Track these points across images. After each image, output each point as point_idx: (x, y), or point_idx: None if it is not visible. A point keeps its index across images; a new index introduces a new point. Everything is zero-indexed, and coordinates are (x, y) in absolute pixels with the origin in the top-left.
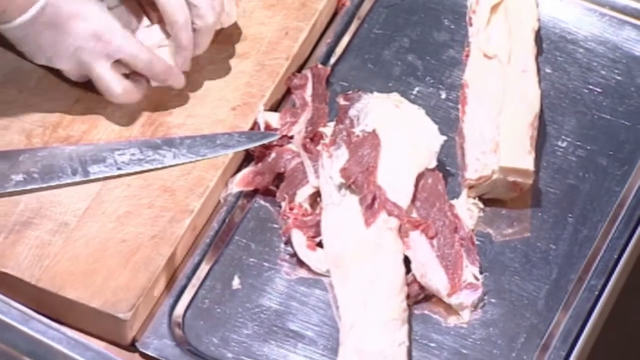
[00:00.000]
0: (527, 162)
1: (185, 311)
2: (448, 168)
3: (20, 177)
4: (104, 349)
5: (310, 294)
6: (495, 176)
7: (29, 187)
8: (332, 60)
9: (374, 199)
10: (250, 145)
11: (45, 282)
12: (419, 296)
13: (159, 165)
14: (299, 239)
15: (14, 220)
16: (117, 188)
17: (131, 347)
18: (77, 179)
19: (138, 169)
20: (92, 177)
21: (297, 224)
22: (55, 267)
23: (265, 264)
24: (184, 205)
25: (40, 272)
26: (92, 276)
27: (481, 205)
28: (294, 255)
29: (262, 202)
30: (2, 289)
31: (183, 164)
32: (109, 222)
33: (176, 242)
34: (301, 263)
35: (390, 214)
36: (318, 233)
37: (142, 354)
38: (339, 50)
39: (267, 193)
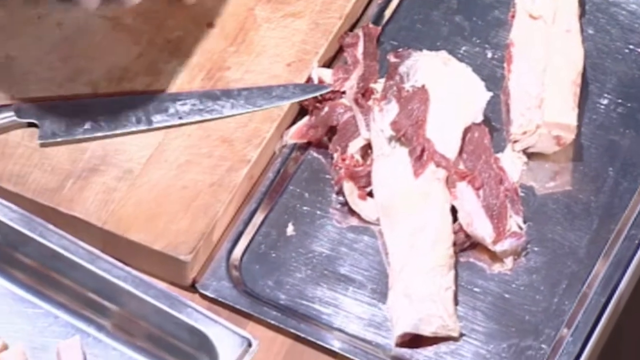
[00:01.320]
0: (570, 117)
1: (242, 255)
2: (493, 124)
3: (87, 126)
4: (166, 288)
5: (359, 240)
6: (539, 131)
7: (95, 135)
8: (383, 20)
9: (422, 150)
10: (304, 97)
11: (111, 225)
12: (465, 244)
13: (218, 115)
14: (350, 189)
15: (82, 166)
16: (178, 138)
17: (191, 288)
18: (141, 127)
19: (198, 118)
20: (155, 126)
21: (348, 174)
22: (121, 211)
23: (318, 212)
24: (242, 155)
25: (106, 215)
26: (155, 220)
27: (525, 158)
28: (345, 204)
29: (315, 154)
30: (70, 231)
31: (240, 114)
32: (170, 169)
33: (234, 190)
34: (352, 212)
35: (438, 165)
36: (368, 183)
37: (202, 295)
38: (389, 11)
39: (320, 146)
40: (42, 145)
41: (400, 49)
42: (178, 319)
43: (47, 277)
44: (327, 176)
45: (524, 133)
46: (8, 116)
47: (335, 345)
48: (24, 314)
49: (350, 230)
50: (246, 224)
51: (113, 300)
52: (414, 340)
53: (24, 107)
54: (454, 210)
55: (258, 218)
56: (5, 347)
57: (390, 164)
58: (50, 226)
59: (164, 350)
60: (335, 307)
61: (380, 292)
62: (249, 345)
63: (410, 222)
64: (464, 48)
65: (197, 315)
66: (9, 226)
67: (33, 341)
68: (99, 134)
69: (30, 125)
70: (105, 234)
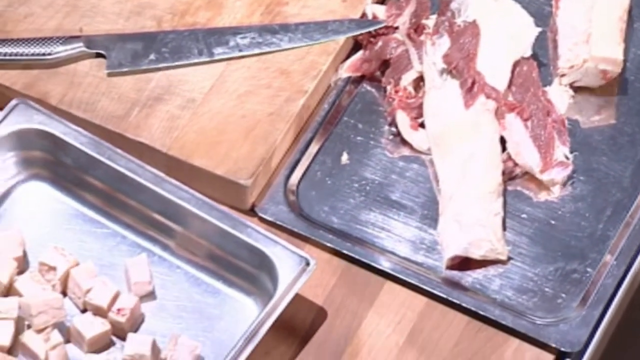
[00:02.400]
0: (616, 51)
1: (299, 182)
2: (540, 59)
3: (152, 57)
4: (228, 210)
5: (410, 169)
6: (586, 65)
7: (160, 66)
8: None
9: (473, 83)
10: (359, 32)
11: (175, 151)
12: (513, 173)
13: (276, 49)
14: (403, 120)
15: (147, 95)
16: (238, 70)
17: (250, 212)
18: (203, 59)
19: (257, 51)
20: (216, 57)
21: (401, 105)
22: (184, 138)
23: (371, 142)
24: (299, 86)
25: (170, 142)
26: (216, 147)
27: (571, 92)
28: (398, 134)
29: (368, 87)
30: (136, 156)
31: (298, 47)
32: (231, 99)
33: (291, 119)
34: (404, 142)
35: (488, 96)
36: (420, 114)
37: (261, 218)
38: None
39: (373, 79)
40: (110, 74)
41: None
42: (239, 239)
43: (115, 199)
44: (380, 108)
45: (571, 67)
46: (77, 47)
47: (388, 266)
48: (94, 233)
49: (402, 160)
50: (303, 152)
51: (177, 221)
52: (463, 263)
53: (93, 39)
54: (502, 141)
55: (314, 147)
56: (77, 264)
57: (442, 95)
58: (118, 150)
59: (225, 269)
60: (387, 232)
61: (430, 218)
62: (307, 264)
63: (460, 151)
64: None
65: (257, 236)
66: (80, 150)
67: (102, 259)
68: (163, 65)
69: (98, 55)
70: (169, 159)
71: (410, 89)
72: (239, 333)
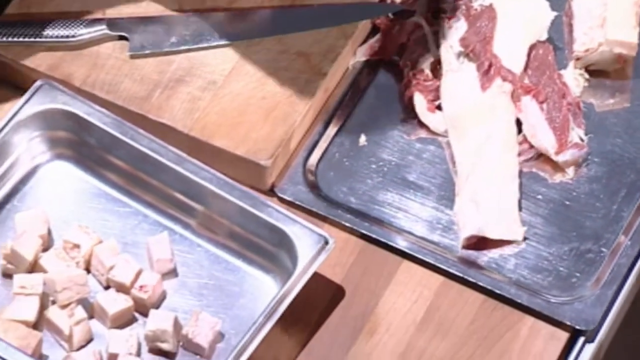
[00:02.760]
0: (632, 35)
1: (318, 163)
2: (556, 43)
3: (174, 39)
4: (248, 189)
5: (427, 151)
6: (601, 48)
7: (181, 48)
8: None
9: (490, 65)
10: (377, 15)
11: (196, 132)
12: (529, 155)
13: (295, 31)
14: (420, 102)
15: (169, 77)
16: (258, 52)
17: (270, 192)
18: (224, 42)
19: (277, 33)
20: (236, 40)
21: (418, 88)
22: (205, 119)
23: (389, 124)
24: (318, 69)
25: (191, 123)
26: (236, 128)
27: (586, 75)
28: (414, 117)
29: (385, 70)
30: (158, 137)
31: (316, 30)
32: (251, 81)
33: (310, 101)
34: (421, 124)
35: (504, 79)
36: (437, 97)
37: (280, 198)
38: None
39: (391, 62)
40: (132, 57)
41: None
42: (259, 218)
43: (137, 178)
44: (397, 91)
45: (587, 51)
46: (100, 29)
47: (405, 246)
48: (116, 212)
49: (419, 141)
50: (321, 133)
51: (198, 200)
52: (479, 243)
53: (115, 22)
54: (518, 123)
55: (332, 129)
56: (100, 242)
57: (459, 78)
58: (141, 131)
59: (245, 247)
60: (404, 212)
61: (446, 198)
62: (326, 243)
63: (477, 133)
64: None
65: (277, 215)
66: (103, 130)
67: (124, 237)
68: (184, 47)
69: (121, 38)
70: (191, 140)
71: (428, 72)
72: (259, 310)
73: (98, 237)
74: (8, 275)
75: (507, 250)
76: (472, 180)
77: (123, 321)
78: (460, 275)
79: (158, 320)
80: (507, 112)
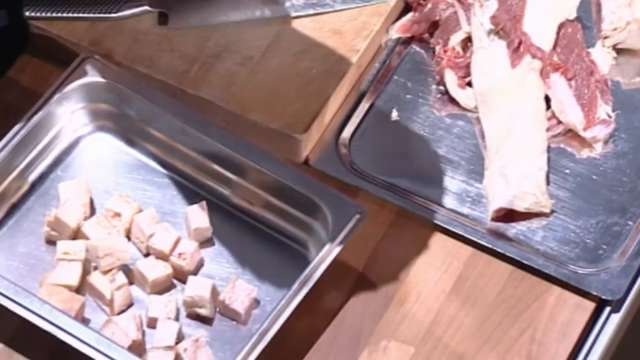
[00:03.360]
0: None
1: (351, 137)
2: (585, 22)
3: (212, 16)
4: (284, 161)
5: (457, 126)
6: (629, 27)
7: (219, 25)
8: None
9: (520, 43)
10: None
11: (233, 106)
12: (557, 130)
13: (330, 9)
14: (451, 78)
15: (207, 53)
16: (293, 29)
17: (304, 164)
18: (260, 19)
19: (311, 11)
20: (272, 17)
21: (449, 64)
22: (242, 94)
23: (420, 100)
24: (351, 45)
25: (228, 97)
26: (272, 102)
27: (614, 54)
28: (445, 93)
29: (417, 48)
30: (196, 111)
31: (350, 8)
32: (286, 57)
33: (344, 77)
34: (451, 100)
35: (534, 56)
36: (468, 73)
37: (314, 171)
38: None
39: (422, 40)
40: (171, 32)
41: None
42: (294, 189)
43: (175, 150)
44: (429, 68)
45: (614, 29)
46: (141, 6)
47: (435, 217)
48: (155, 182)
49: (449, 117)
50: (354, 108)
51: (235, 172)
52: (507, 216)
53: None
54: (547, 99)
55: (365, 104)
56: (140, 211)
57: (489, 55)
58: (179, 104)
59: (280, 217)
60: (434, 185)
61: (476, 172)
62: (359, 213)
63: (507, 109)
64: None
65: (312, 186)
66: (143, 103)
67: (163, 207)
68: (222, 24)
69: (161, 14)
70: (227, 114)
71: (459, 49)
72: (293, 278)
73: (138, 206)
74: (52, 242)
75: (535, 222)
76: (501, 154)
77: (162, 287)
78: (489, 246)
79: (196, 287)
80: (536, 88)
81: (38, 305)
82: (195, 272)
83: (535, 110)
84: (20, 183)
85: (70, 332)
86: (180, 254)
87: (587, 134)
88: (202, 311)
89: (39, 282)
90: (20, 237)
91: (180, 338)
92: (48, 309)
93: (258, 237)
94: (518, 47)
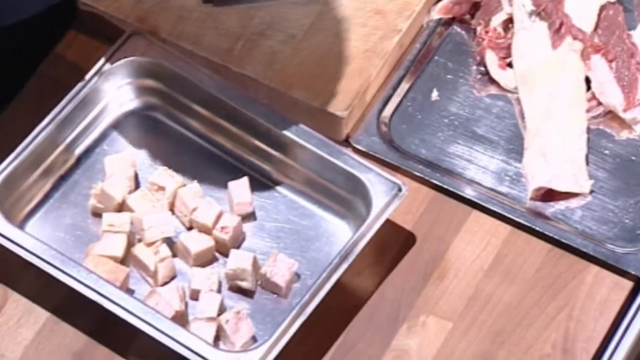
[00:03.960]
0: None
1: (392, 115)
2: (626, 4)
3: None
4: (325, 138)
5: (496, 106)
6: None
7: (262, 3)
8: None
9: (561, 24)
10: None
11: (276, 83)
12: (597, 111)
13: None
14: (492, 59)
15: (250, 30)
16: (336, 9)
17: (345, 142)
18: None
19: None
20: None
21: (490, 45)
22: (285, 71)
23: (460, 80)
24: (393, 25)
25: (272, 74)
26: (314, 80)
27: None
28: (485, 74)
29: (458, 29)
30: (240, 88)
31: None
32: (329, 36)
33: (385, 56)
34: (491, 81)
35: (575, 38)
36: (508, 54)
37: (354, 149)
38: None
39: (463, 21)
40: (216, 10)
41: None
42: (336, 165)
43: (219, 126)
44: (469, 48)
45: None
46: None
47: (474, 196)
48: (199, 158)
49: (489, 97)
50: (395, 88)
51: (277, 148)
52: (546, 195)
53: None
54: (587, 80)
55: (406, 84)
56: (184, 185)
57: (530, 36)
58: (223, 81)
59: (321, 193)
60: (473, 163)
61: (515, 152)
62: (399, 190)
63: (547, 89)
64: None
65: (353, 162)
66: (187, 79)
67: (206, 181)
68: (267, 2)
69: None
70: (271, 91)
71: (500, 29)
72: (333, 253)
73: (182, 181)
74: (97, 214)
75: (573, 202)
76: (541, 134)
77: (205, 260)
78: (528, 225)
79: (238, 260)
80: (576, 69)
81: (84, 274)
82: (237, 246)
83: (576, 92)
84: (67, 156)
85: (116, 302)
86: (222, 228)
87: (626, 116)
88: (244, 284)
89: (85, 253)
90: (67, 209)
91: (222, 310)
92: (94, 279)
93: (299, 213)
94: (559, 29)
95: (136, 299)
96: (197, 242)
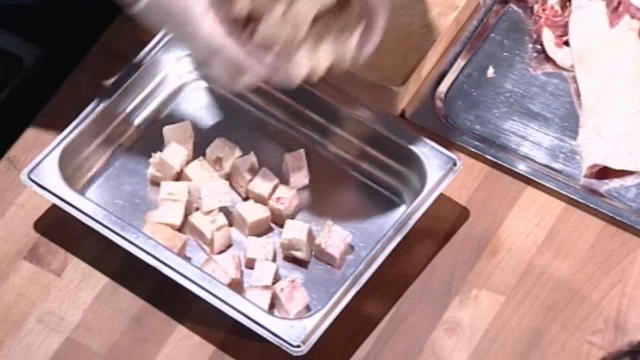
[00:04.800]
0: None
1: (447, 91)
2: None
3: None
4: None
5: (552, 84)
6: None
7: None
8: None
9: (619, 3)
10: None
11: None
12: None
13: None
14: (548, 37)
15: None
16: None
17: (400, 117)
18: None
19: None
20: None
21: (548, 23)
22: None
23: (516, 58)
24: (451, 2)
25: None
26: (371, 55)
27: None
28: (541, 52)
29: (515, 7)
30: None
31: None
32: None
33: (442, 32)
34: (547, 59)
35: (633, 16)
36: (565, 32)
37: (410, 123)
38: None
39: (520, 0)
40: None
41: None
42: (391, 139)
43: (276, 99)
44: (525, 27)
45: None
46: None
47: (528, 172)
48: (256, 129)
49: (544, 75)
50: (451, 64)
51: (333, 121)
52: (601, 172)
53: None
54: None
55: (462, 60)
56: (241, 155)
57: (588, 14)
58: None
59: (376, 167)
60: (528, 140)
61: (569, 129)
62: (454, 164)
63: (604, 67)
64: None
65: (408, 137)
66: None
67: (263, 153)
68: None
69: None
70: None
71: (557, 8)
72: (387, 226)
73: (239, 152)
74: (155, 183)
75: (628, 180)
76: (596, 112)
77: (260, 230)
78: (582, 201)
79: (293, 230)
80: (634, 48)
81: (143, 240)
82: (292, 217)
83: (632, 70)
84: (126, 126)
85: (174, 267)
86: (278, 199)
87: None
88: (298, 254)
89: (143, 220)
90: (126, 177)
91: (277, 278)
92: (153, 245)
93: (354, 186)
94: (617, 7)
95: (194, 265)
96: (254, 212)
